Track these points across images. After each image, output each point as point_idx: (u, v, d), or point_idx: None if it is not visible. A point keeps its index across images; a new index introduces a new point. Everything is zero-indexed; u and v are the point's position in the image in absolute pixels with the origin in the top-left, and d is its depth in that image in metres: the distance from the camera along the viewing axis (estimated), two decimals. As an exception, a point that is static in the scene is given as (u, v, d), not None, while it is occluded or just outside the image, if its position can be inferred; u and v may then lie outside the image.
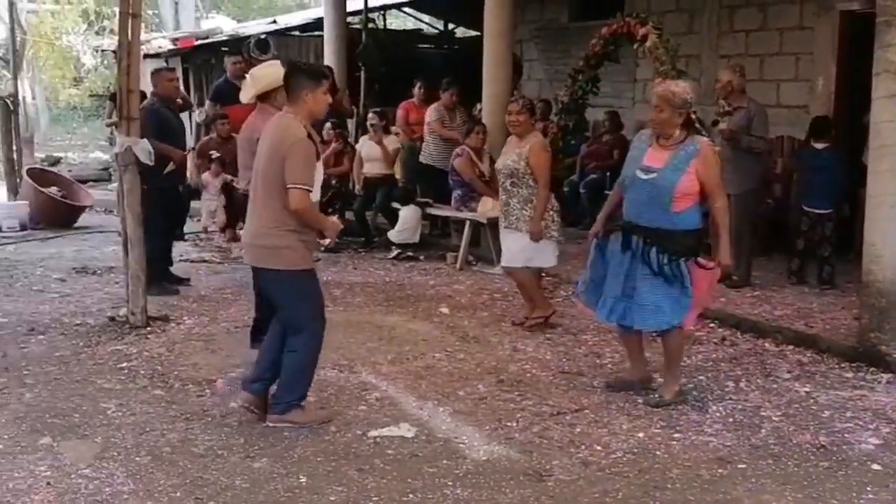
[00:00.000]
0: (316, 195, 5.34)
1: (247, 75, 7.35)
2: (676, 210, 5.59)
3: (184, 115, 10.11)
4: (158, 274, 8.36)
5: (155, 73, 9.09)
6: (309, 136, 5.25)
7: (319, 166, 5.38)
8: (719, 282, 6.12)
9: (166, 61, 15.90)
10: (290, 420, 5.38)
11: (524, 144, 7.33)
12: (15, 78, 15.16)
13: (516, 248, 7.47)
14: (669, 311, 5.65)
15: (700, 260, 5.69)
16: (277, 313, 5.56)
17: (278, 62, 7.28)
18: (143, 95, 8.32)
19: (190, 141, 13.79)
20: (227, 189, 11.15)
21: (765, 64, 10.82)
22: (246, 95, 7.07)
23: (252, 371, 5.64)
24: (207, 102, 10.05)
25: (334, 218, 5.26)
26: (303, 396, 5.48)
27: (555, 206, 7.50)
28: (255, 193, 5.44)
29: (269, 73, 6.92)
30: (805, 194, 8.92)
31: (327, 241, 5.68)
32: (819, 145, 8.76)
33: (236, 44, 14.85)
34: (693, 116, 5.75)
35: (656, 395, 5.93)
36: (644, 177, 5.69)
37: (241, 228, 8.54)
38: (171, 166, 8.41)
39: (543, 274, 8.02)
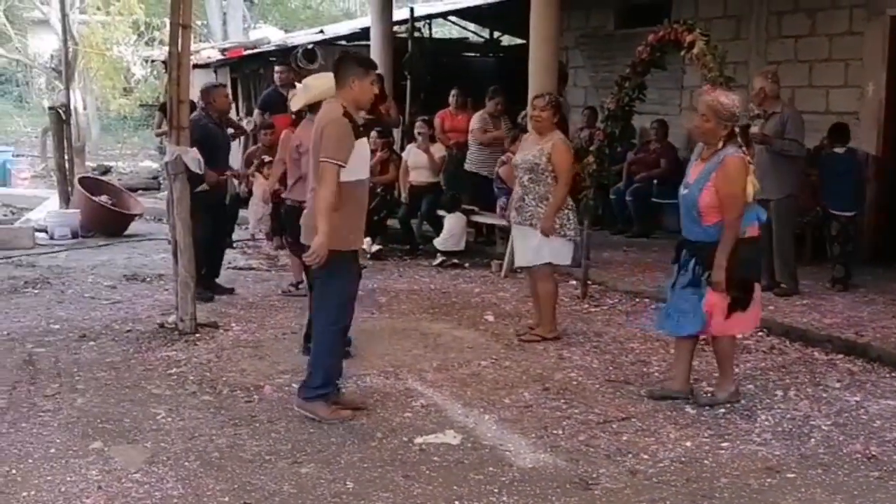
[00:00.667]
0: (350, 175, 5.37)
1: (298, 84, 7.39)
2: (707, 223, 5.66)
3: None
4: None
5: (211, 88, 9.15)
6: (347, 116, 5.36)
7: (362, 147, 5.47)
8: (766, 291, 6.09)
9: (215, 71, 16.07)
10: (312, 410, 5.51)
11: (546, 141, 7.25)
12: (67, 88, 15.36)
13: (529, 247, 7.38)
14: (685, 318, 5.78)
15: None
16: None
17: (331, 74, 7.30)
18: (192, 106, 8.42)
19: (236, 158, 13.99)
20: (273, 197, 11.21)
21: (814, 70, 10.70)
22: (297, 104, 7.13)
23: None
24: (256, 111, 10.12)
25: (320, 238, 5.26)
26: (324, 385, 5.55)
27: (570, 205, 7.40)
28: (310, 178, 5.58)
29: (321, 83, 6.93)
30: (830, 198, 9.00)
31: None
32: (840, 150, 8.95)
33: (284, 54, 14.95)
34: (737, 130, 5.72)
35: (709, 394, 5.96)
36: (683, 192, 5.84)
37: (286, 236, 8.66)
38: (203, 186, 8.34)
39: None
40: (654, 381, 6.41)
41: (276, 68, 10.76)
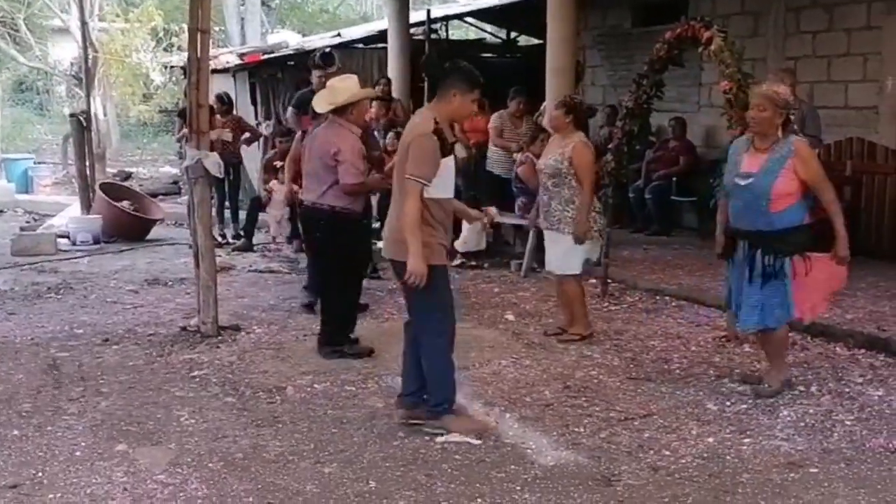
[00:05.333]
0: (432, 193, 5.22)
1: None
2: (774, 210, 5.70)
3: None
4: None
5: None
6: (437, 133, 5.21)
7: (449, 165, 5.31)
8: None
9: (234, 76, 16.14)
10: (443, 426, 5.37)
11: (567, 144, 7.21)
12: (87, 95, 15.45)
13: (560, 252, 7.34)
14: (767, 312, 5.79)
15: (810, 254, 5.74)
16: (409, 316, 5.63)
17: (355, 77, 7.30)
18: (210, 111, 8.46)
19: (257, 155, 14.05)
20: (291, 200, 11.26)
21: (832, 65, 10.67)
22: (322, 106, 7.03)
23: (402, 385, 5.66)
24: (290, 110, 10.11)
25: (414, 259, 5.11)
26: (449, 400, 5.44)
27: (596, 206, 7.39)
28: (394, 189, 5.47)
29: (348, 86, 6.96)
30: None
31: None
32: None
33: (302, 57, 14.99)
34: (791, 118, 5.83)
35: (765, 385, 6.00)
36: (742, 183, 5.81)
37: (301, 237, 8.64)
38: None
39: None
40: (676, 377, 6.40)
41: (315, 72, 10.81)
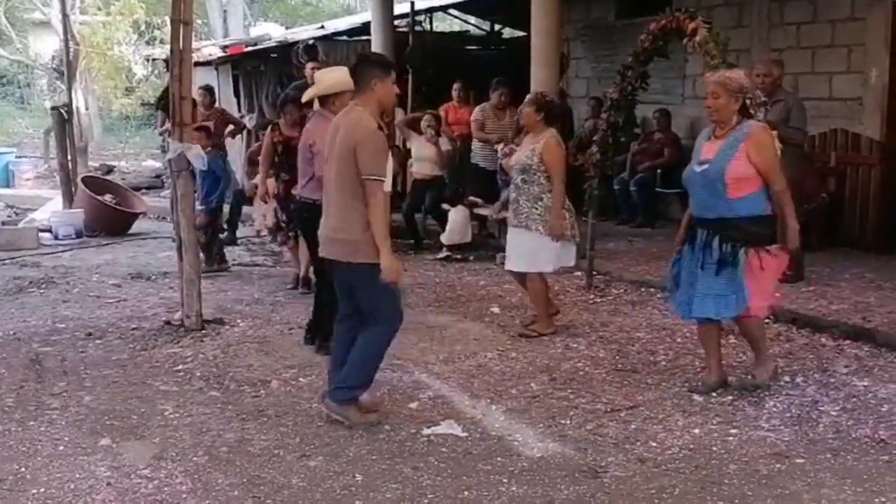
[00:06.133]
0: (387, 186, 5.29)
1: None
2: (733, 196, 5.61)
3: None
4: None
5: None
6: (379, 127, 5.26)
7: (390, 159, 5.36)
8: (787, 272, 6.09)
9: (216, 69, 16.06)
10: (343, 415, 5.39)
11: (538, 140, 7.18)
12: (69, 89, 15.38)
13: (524, 250, 7.25)
14: (726, 300, 5.68)
15: (770, 248, 5.66)
16: (339, 313, 5.60)
17: (345, 68, 7.24)
18: (193, 103, 8.40)
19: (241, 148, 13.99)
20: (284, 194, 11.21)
21: (816, 56, 10.67)
22: (307, 96, 7.07)
23: (328, 381, 5.63)
24: (288, 104, 9.99)
25: (387, 257, 5.17)
26: (360, 387, 5.45)
27: (568, 206, 7.26)
28: (330, 188, 5.42)
29: (332, 76, 6.88)
30: None
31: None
32: None
33: (285, 50, 14.95)
34: (748, 103, 5.74)
35: (751, 378, 5.97)
36: (699, 169, 5.76)
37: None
38: None
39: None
40: (662, 369, 6.40)
41: (310, 64, 10.81)
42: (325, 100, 6.84)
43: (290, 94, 9.45)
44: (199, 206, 9.11)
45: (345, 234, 5.29)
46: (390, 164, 5.34)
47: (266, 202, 9.09)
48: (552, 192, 7.11)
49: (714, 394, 5.85)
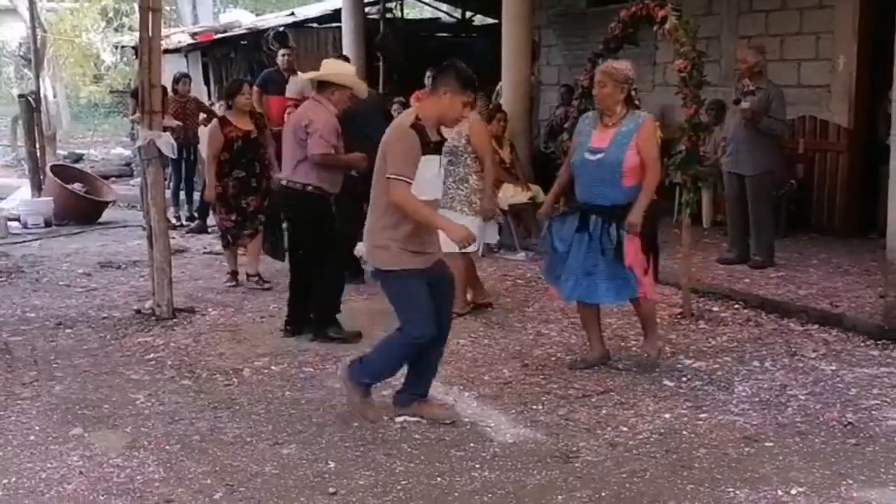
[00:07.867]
0: (423, 194, 5.01)
1: (300, 73, 7.27)
2: (628, 185, 5.80)
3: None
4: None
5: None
6: (416, 129, 4.98)
7: (427, 166, 5.03)
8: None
9: (186, 56, 15.97)
10: (348, 394, 5.33)
11: (464, 123, 7.15)
12: (37, 76, 15.25)
13: None
14: (627, 284, 5.87)
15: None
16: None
17: (353, 67, 7.24)
18: (163, 91, 8.35)
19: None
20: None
21: (785, 44, 10.73)
22: (309, 75, 7.06)
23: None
24: (254, 89, 9.84)
25: (462, 224, 5.05)
26: (370, 377, 5.33)
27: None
28: (372, 194, 5.18)
29: (339, 68, 6.97)
30: None
31: (467, 246, 5.38)
32: None
33: (255, 37, 14.89)
34: (633, 93, 5.93)
35: (647, 357, 6.16)
36: (592, 158, 5.87)
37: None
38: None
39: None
40: (633, 354, 6.44)
41: (282, 51, 10.76)
42: (324, 87, 6.78)
43: (239, 80, 9.40)
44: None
45: (369, 236, 5.21)
46: (428, 172, 5.06)
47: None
48: (483, 173, 7.23)
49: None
